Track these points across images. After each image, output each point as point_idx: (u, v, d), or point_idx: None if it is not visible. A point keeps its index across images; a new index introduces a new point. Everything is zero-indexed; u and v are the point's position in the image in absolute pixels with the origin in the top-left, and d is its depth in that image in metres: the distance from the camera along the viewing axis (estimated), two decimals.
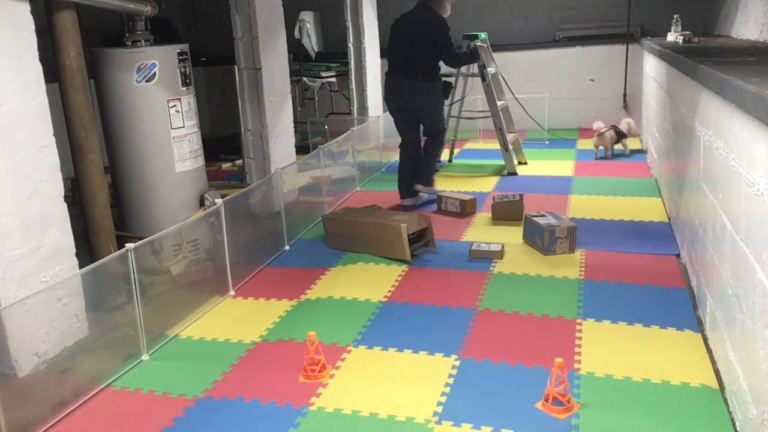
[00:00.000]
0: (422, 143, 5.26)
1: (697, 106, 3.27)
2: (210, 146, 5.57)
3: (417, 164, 5.19)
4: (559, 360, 2.44)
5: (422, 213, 4.24)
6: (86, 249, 3.54)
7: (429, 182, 5.26)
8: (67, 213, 3.07)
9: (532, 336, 3.02)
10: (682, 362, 2.72)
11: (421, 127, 5.22)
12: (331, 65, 7.79)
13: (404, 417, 2.46)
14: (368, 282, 3.72)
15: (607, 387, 2.59)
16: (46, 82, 2.96)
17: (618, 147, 6.56)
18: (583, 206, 4.94)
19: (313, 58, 7.59)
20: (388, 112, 5.49)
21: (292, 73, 6.61)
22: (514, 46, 8.07)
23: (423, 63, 4.91)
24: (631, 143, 6.88)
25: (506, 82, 6.52)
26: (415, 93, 4.96)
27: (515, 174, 6.04)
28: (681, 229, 3.89)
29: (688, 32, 5.27)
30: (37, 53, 2.91)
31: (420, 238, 4.11)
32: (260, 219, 4.57)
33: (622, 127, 6.58)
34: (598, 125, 6.50)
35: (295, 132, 5.67)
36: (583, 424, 2.36)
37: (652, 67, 5.92)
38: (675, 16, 5.82)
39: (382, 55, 7.63)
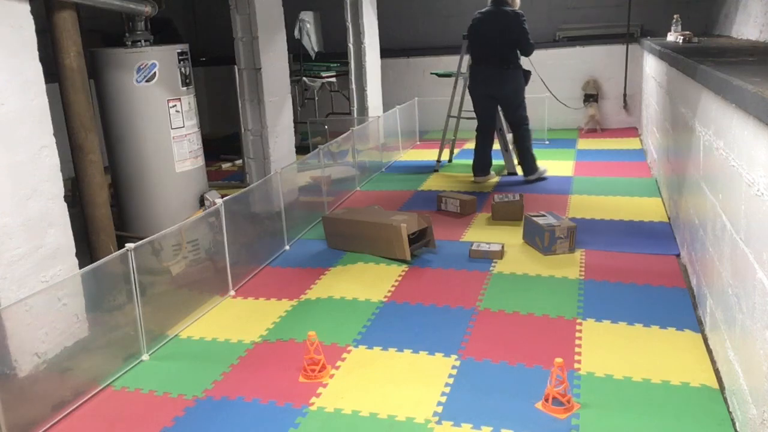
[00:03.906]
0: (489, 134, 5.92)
1: (697, 106, 3.27)
2: (210, 146, 5.57)
3: (489, 148, 5.89)
4: (559, 360, 2.44)
5: (422, 213, 4.24)
6: (86, 249, 3.54)
7: (534, 170, 5.77)
8: (67, 213, 3.07)
9: (532, 336, 3.02)
10: (682, 362, 2.72)
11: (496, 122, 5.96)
12: (331, 65, 7.79)
13: (404, 417, 2.46)
14: (368, 282, 3.72)
15: (607, 387, 2.59)
16: (46, 82, 2.95)
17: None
18: (583, 206, 4.94)
19: (313, 58, 7.59)
20: (384, 112, 5.58)
21: (292, 73, 6.61)
22: None
23: (507, 53, 5.54)
24: (631, 143, 7.07)
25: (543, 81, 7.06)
26: (503, 80, 5.60)
27: (515, 174, 6.05)
28: (681, 229, 3.89)
29: (688, 32, 5.27)
30: (37, 53, 2.90)
31: (420, 238, 4.11)
32: (260, 219, 4.56)
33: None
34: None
35: (295, 132, 5.67)
36: (583, 424, 2.36)
37: (652, 67, 5.92)
38: (675, 16, 5.83)
39: (382, 56, 7.65)
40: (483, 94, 5.77)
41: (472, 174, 5.93)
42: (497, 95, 5.69)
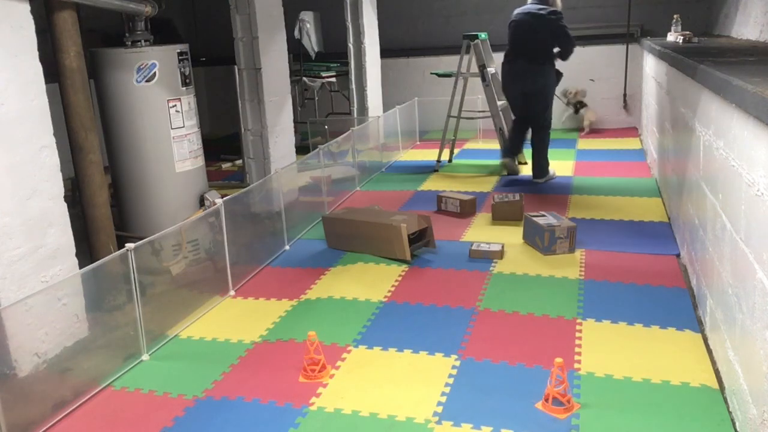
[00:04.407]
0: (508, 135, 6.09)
1: (697, 106, 3.27)
2: (210, 146, 5.57)
3: (524, 135, 5.96)
4: (559, 360, 2.44)
5: (422, 213, 4.24)
6: (86, 249, 3.54)
7: (545, 173, 5.80)
8: (67, 213, 3.07)
9: (532, 336, 3.02)
10: (682, 362, 2.72)
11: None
12: (331, 65, 7.78)
13: (404, 417, 2.46)
14: (368, 282, 3.72)
15: (607, 387, 2.59)
16: (46, 82, 2.96)
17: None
18: (583, 206, 4.94)
19: (313, 58, 7.59)
20: (384, 112, 5.62)
21: (292, 73, 6.61)
22: None
23: (543, 50, 5.58)
24: (631, 143, 7.09)
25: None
26: (536, 76, 5.61)
27: (516, 174, 6.05)
28: (681, 229, 3.89)
29: (688, 32, 5.27)
30: (37, 53, 2.91)
31: (420, 238, 4.11)
32: (260, 219, 4.57)
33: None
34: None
35: (295, 132, 5.67)
36: (583, 424, 2.36)
37: (652, 67, 5.92)
38: (675, 16, 5.83)
39: (382, 56, 7.65)
40: (517, 91, 5.75)
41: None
42: (528, 91, 5.67)
